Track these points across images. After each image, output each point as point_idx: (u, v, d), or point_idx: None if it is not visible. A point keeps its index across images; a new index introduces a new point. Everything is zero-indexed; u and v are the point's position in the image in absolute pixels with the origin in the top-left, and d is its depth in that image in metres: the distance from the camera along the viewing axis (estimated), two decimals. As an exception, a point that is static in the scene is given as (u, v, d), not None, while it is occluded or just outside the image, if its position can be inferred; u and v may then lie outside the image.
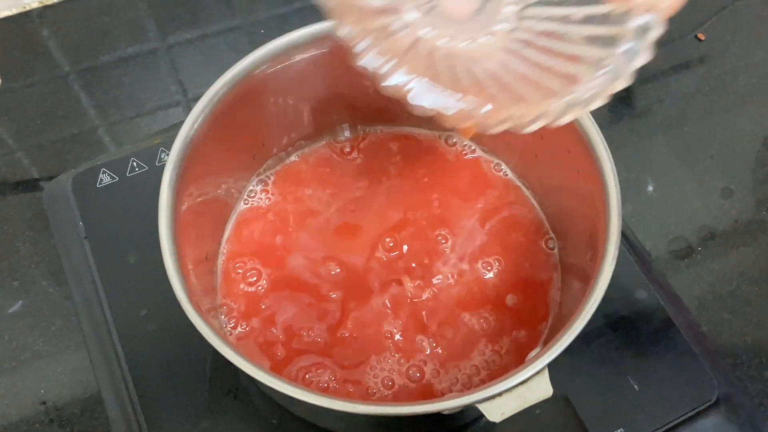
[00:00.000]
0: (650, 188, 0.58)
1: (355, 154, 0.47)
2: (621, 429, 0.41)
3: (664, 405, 0.42)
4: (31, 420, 0.48)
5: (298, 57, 0.40)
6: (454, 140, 0.47)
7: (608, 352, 0.44)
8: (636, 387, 0.43)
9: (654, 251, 0.55)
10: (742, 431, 0.43)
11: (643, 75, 0.64)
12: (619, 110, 0.63)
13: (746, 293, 0.53)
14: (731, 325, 0.52)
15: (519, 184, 0.46)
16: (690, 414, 0.42)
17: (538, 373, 0.31)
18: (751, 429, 0.43)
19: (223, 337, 0.33)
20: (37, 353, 0.51)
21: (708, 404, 0.43)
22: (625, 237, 0.48)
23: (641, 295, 0.45)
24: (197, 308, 0.33)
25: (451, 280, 0.43)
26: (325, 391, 0.39)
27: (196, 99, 0.63)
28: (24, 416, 0.49)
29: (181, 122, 0.58)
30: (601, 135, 0.37)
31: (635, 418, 0.42)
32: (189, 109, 0.63)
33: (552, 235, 0.44)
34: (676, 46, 0.65)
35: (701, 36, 0.66)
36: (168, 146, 0.50)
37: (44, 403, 0.49)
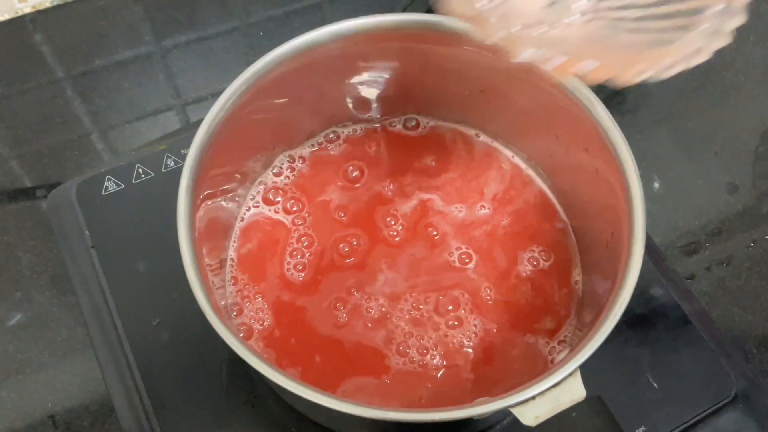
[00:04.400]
0: (656, 185, 0.58)
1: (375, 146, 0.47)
2: (643, 427, 0.41)
3: (683, 402, 0.42)
4: (39, 434, 0.48)
5: (312, 58, 0.40)
6: (461, 129, 0.47)
7: (627, 351, 0.43)
8: (655, 385, 0.42)
9: (662, 247, 0.55)
10: (762, 427, 0.43)
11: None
12: (621, 106, 0.63)
13: (755, 287, 0.54)
14: (742, 320, 0.52)
15: (536, 177, 0.46)
16: (709, 411, 0.42)
17: (570, 375, 0.31)
18: (771, 424, 0.43)
19: (245, 344, 0.32)
20: (43, 365, 0.50)
21: (727, 400, 0.43)
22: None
23: (657, 292, 0.45)
24: (220, 315, 0.32)
25: (471, 275, 0.43)
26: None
27: (193, 102, 0.64)
28: (32, 430, 0.48)
29: (185, 127, 0.57)
30: (622, 134, 0.36)
31: (656, 417, 0.42)
32: (185, 113, 0.63)
33: (571, 232, 0.44)
34: (675, 42, 0.65)
35: (700, 32, 0.66)
36: (173, 152, 0.50)
37: (52, 416, 0.48)
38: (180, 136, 0.51)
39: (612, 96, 0.63)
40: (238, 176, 0.43)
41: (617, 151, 0.36)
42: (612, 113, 0.62)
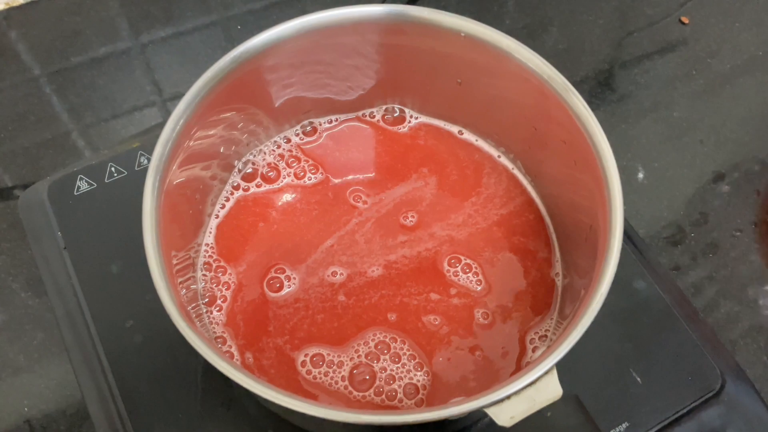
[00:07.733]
0: (641, 175, 0.57)
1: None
2: (626, 423, 0.40)
3: (668, 397, 0.41)
4: (15, 439, 0.47)
5: (284, 50, 0.39)
6: (444, 126, 0.46)
7: (610, 346, 0.43)
8: (639, 380, 0.42)
9: (647, 239, 0.54)
10: (746, 420, 0.42)
11: (628, 59, 0.63)
12: (606, 96, 0.62)
13: (741, 278, 0.53)
14: (728, 311, 0.52)
15: (518, 174, 0.45)
16: (695, 404, 0.41)
17: (546, 373, 0.30)
18: (756, 417, 0.42)
19: (216, 349, 0.31)
20: (19, 368, 0.49)
21: (712, 393, 0.42)
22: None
23: (640, 285, 0.45)
24: (188, 320, 0.31)
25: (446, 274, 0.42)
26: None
27: (172, 98, 0.62)
28: (7, 435, 0.47)
29: (158, 124, 0.56)
30: (599, 125, 0.36)
31: (640, 412, 0.41)
32: (165, 109, 0.62)
33: (551, 226, 0.43)
34: (660, 28, 0.64)
35: (685, 20, 0.65)
36: (147, 149, 0.48)
37: (28, 420, 0.47)
38: (154, 133, 0.50)
39: (596, 86, 0.63)
40: (211, 170, 0.42)
41: (594, 140, 0.35)
42: (597, 104, 0.62)
